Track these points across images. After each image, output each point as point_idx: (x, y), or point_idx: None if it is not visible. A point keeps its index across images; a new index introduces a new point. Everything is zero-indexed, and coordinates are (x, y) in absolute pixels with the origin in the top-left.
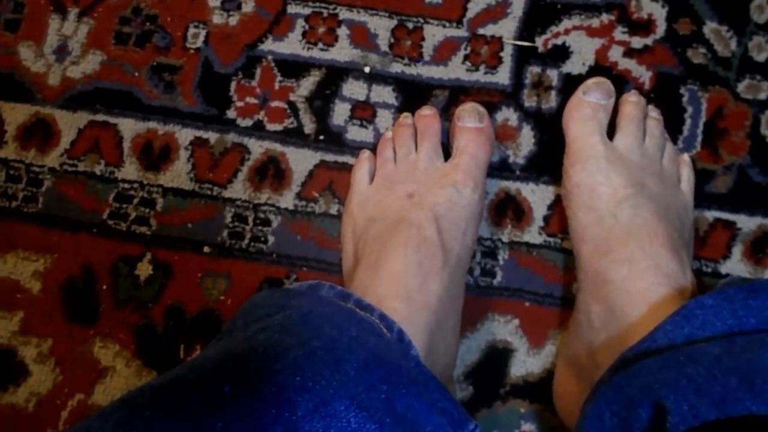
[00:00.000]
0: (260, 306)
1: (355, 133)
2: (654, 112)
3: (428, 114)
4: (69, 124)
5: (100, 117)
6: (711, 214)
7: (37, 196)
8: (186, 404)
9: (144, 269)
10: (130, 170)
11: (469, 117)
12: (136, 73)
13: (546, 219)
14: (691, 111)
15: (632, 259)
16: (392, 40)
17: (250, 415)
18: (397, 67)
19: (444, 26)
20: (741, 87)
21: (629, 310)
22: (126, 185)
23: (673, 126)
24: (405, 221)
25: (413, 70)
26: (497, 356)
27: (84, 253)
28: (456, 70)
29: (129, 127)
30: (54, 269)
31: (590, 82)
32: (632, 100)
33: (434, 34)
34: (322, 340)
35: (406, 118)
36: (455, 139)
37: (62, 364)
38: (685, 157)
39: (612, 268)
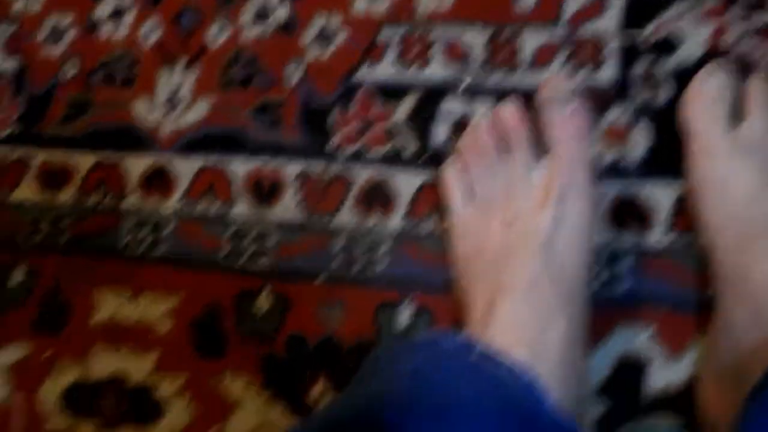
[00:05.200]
0: (384, 360)
1: None
2: None
3: (511, 116)
4: (184, 169)
5: (212, 160)
6: None
7: (161, 240)
8: None
9: (264, 302)
10: (242, 208)
11: (557, 104)
12: (242, 115)
13: (671, 219)
14: None
15: None
16: (488, 52)
17: None
18: (495, 79)
19: (540, 31)
20: None
21: None
22: (240, 223)
23: None
24: (509, 258)
25: (512, 80)
26: (630, 369)
27: (208, 291)
28: (558, 73)
29: (239, 166)
30: (182, 308)
31: (706, 69)
32: (757, 82)
33: (531, 40)
34: (450, 396)
35: (487, 124)
36: (547, 132)
37: (196, 398)
38: None
39: (753, 266)
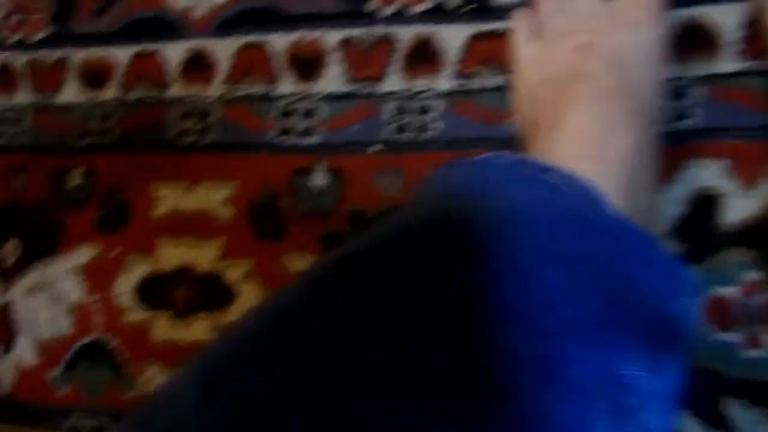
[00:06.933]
0: (427, 184)
1: None
2: None
3: None
4: (222, 51)
5: (251, 38)
6: None
7: (209, 127)
8: (377, 281)
9: (319, 179)
10: (286, 84)
11: None
12: None
13: (742, 42)
14: None
15: None
16: None
17: (441, 280)
18: None
19: None
20: None
21: None
22: (286, 100)
23: None
24: (579, 75)
25: None
26: (704, 205)
27: (262, 174)
28: None
29: (278, 41)
30: (239, 194)
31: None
32: None
33: None
34: (501, 203)
35: None
36: None
37: (267, 281)
38: None
39: None
